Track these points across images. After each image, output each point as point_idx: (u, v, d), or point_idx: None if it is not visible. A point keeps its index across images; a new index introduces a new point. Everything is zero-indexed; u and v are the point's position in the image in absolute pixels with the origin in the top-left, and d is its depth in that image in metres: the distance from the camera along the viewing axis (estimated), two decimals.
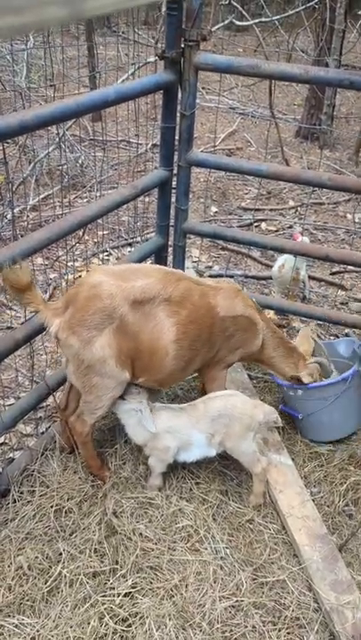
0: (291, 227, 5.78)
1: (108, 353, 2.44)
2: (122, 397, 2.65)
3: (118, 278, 2.47)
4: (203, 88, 9.69)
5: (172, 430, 2.67)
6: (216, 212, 6.01)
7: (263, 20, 7.12)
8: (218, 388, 2.89)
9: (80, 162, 6.13)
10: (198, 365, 2.80)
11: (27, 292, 2.39)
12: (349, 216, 6.09)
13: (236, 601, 2.32)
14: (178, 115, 3.22)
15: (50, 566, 2.37)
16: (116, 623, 2.19)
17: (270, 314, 4.15)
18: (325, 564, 2.46)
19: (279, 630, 2.25)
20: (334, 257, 3.25)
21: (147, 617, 2.21)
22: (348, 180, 3.13)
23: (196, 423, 2.68)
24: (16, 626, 2.17)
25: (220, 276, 4.73)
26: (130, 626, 2.19)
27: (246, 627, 2.24)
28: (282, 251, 3.40)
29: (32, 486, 2.69)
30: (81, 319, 2.40)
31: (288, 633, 2.25)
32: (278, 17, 7.47)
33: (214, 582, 2.37)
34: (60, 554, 2.41)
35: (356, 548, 2.60)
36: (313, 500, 2.76)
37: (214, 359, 2.85)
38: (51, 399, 3.22)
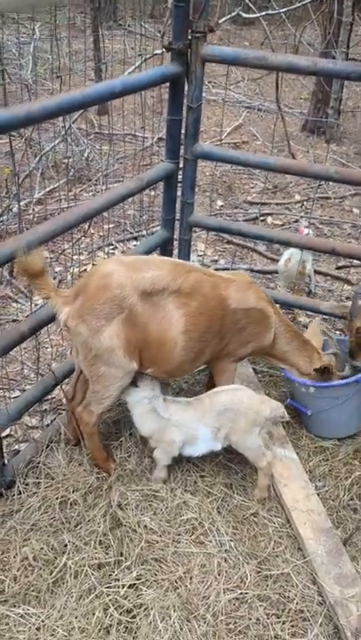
0: (297, 221, 5.76)
1: (117, 343, 2.46)
2: (135, 385, 2.67)
3: (129, 269, 2.49)
4: (209, 82, 9.64)
5: (179, 424, 2.67)
6: (222, 205, 5.99)
7: (270, 12, 7.06)
8: (226, 381, 2.89)
9: (86, 155, 6.12)
10: (208, 357, 2.80)
11: (39, 279, 2.41)
12: (356, 210, 6.06)
13: (241, 593, 2.33)
14: (184, 108, 3.20)
15: (55, 557, 2.38)
16: (120, 614, 2.20)
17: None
18: (330, 557, 2.46)
19: (283, 623, 2.25)
20: (341, 251, 3.24)
21: (151, 608, 2.22)
22: (356, 173, 3.12)
23: (202, 417, 2.68)
24: (21, 616, 2.19)
25: (226, 269, 4.71)
26: (134, 617, 2.20)
27: (250, 619, 2.25)
28: (288, 244, 3.39)
29: (37, 478, 2.70)
30: (90, 308, 2.42)
31: (292, 626, 2.26)
32: (285, 9, 7.40)
33: (219, 575, 2.38)
34: (66, 545, 2.43)
35: None
36: (318, 494, 2.76)
37: (224, 352, 2.83)
38: (56, 392, 3.23)
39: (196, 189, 6.16)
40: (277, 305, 4.06)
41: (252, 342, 2.88)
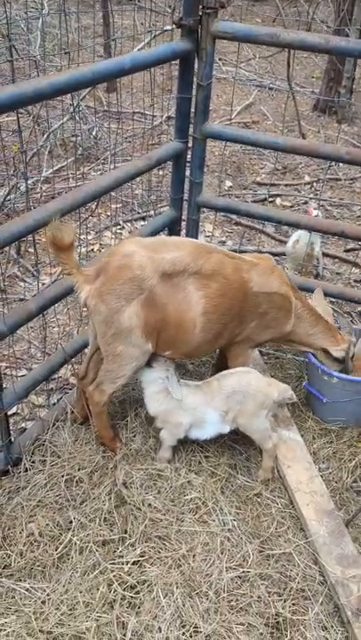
0: (306, 202, 5.70)
1: (136, 323, 2.47)
2: (149, 365, 2.68)
3: (150, 250, 2.49)
4: (219, 59, 9.47)
5: (187, 407, 2.68)
6: (231, 186, 5.93)
7: None
8: (241, 366, 2.88)
9: (94, 133, 6.06)
10: (226, 340, 2.79)
11: (65, 253, 2.40)
12: None
13: (243, 572, 2.36)
14: (194, 86, 3.15)
15: (60, 534, 2.42)
16: (124, 590, 2.23)
17: None
18: (332, 538, 2.48)
19: (284, 601, 2.29)
20: (350, 233, 3.20)
21: (154, 585, 2.25)
22: None
23: (210, 400, 2.69)
24: (27, 590, 2.23)
25: (234, 251, 4.68)
26: (138, 593, 2.24)
27: (252, 597, 2.28)
28: (297, 226, 3.36)
29: (43, 456, 2.73)
30: (111, 288, 2.43)
31: (293, 604, 2.29)
32: None
33: (221, 553, 2.41)
34: (71, 522, 2.46)
35: None
36: (321, 476, 2.77)
37: (242, 336, 2.82)
38: (63, 371, 3.25)
39: (205, 169, 6.11)
40: None
41: (272, 328, 2.86)
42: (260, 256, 2.90)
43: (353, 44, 2.72)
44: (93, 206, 4.88)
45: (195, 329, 2.58)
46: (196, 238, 3.65)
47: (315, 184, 6.09)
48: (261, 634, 2.16)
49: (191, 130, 3.30)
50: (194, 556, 2.39)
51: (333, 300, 4.10)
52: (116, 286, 2.43)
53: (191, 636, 2.12)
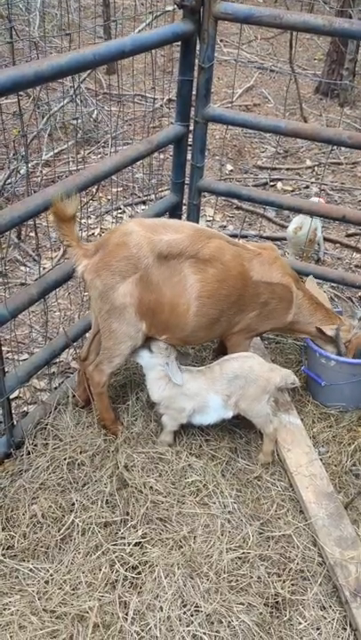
0: (307, 187, 5.67)
1: (129, 301, 2.50)
2: (150, 351, 2.70)
3: (149, 230, 2.51)
4: (220, 41, 9.35)
5: (190, 392, 2.70)
6: (231, 170, 5.90)
7: None
8: None
9: (94, 116, 6.01)
10: (225, 327, 2.80)
11: (67, 225, 2.45)
12: None
13: (243, 553, 2.39)
14: (195, 68, 3.12)
15: (63, 515, 2.45)
16: (126, 570, 2.27)
17: None
18: (331, 520, 2.52)
19: (284, 582, 2.32)
20: (352, 218, 3.19)
21: (156, 565, 2.29)
22: None
23: (212, 385, 2.71)
24: (30, 570, 2.27)
25: (235, 235, 4.68)
26: (140, 573, 2.27)
27: (252, 577, 2.32)
28: (299, 211, 3.35)
29: (45, 439, 2.75)
30: (108, 264, 2.47)
31: (292, 584, 2.33)
32: None
33: (222, 535, 2.44)
34: (73, 504, 2.49)
35: None
36: (321, 460, 2.80)
37: (242, 325, 2.83)
38: (64, 355, 3.26)
39: (206, 153, 6.07)
40: None
41: (273, 319, 2.87)
42: (263, 245, 2.89)
43: (357, 25, 2.68)
44: (94, 190, 4.85)
45: (188, 312, 2.59)
46: (197, 223, 3.65)
47: (316, 168, 6.05)
48: (261, 613, 2.20)
49: (192, 113, 3.28)
50: (195, 537, 2.43)
51: (334, 285, 4.11)
52: (113, 262, 2.46)
53: (192, 615, 2.16)
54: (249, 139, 6.54)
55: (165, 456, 2.73)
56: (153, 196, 5.09)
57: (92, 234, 4.61)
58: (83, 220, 4.56)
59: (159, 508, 2.51)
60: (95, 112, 6.05)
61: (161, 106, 6.45)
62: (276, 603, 2.26)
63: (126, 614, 2.14)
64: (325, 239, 4.79)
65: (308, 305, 2.90)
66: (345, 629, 2.20)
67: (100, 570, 2.26)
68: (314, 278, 3.21)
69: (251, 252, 2.71)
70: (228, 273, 2.61)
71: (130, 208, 5.01)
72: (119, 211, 4.96)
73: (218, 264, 2.58)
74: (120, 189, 5.27)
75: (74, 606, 2.14)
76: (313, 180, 5.83)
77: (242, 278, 2.66)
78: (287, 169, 6.01)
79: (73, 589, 2.21)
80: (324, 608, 2.27)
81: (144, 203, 5.10)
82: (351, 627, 2.20)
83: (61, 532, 2.39)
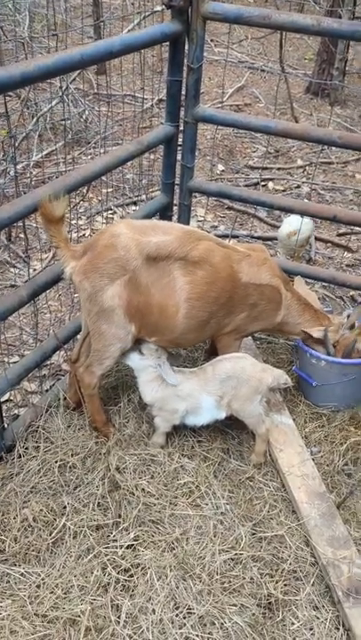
0: (298, 186, 5.68)
1: (118, 303, 2.49)
2: (141, 353, 2.69)
3: (138, 232, 2.50)
4: (211, 40, 9.35)
5: (183, 394, 2.70)
6: (223, 170, 5.89)
7: None
8: None
9: (84, 117, 5.99)
10: (215, 328, 2.79)
11: (55, 226, 2.45)
12: (358, 176, 5.97)
13: (236, 554, 2.39)
14: (185, 68, 3.11)
15: (54, 519, 2.44)
16: (118, 573, 2.26)
17: None
18: (323, 520, 2.52)
19: (276, 582, 2.32)
20: (342, 218, 3.20)
21: (148, 568, 2.28)
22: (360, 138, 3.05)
23: (205, 386, 2.70)
24: (22, 574, 2.25)
25: (226, 236, 4.68)
26: (132, 576, 2.26)
27: (245, 578, 2.31)
28: (290, 211, 3.34)
29: (37, 442, 2.73)
30: (96, 265, 2.46)
31: (285, 584, 2.33)
32: None
33: (214, 536, 2.44)
34: (65, 507, 2.48)
35: (354, 506, 2.65)
36: (313, 460, 2.80)
37: (232, 326, 2.83)
38: (55, 357, 3.25)
39: (197, 153, 6.06)
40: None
41: (262, 320, 2.88)
42: (253, 246, 2.89)
43: (345, 25, 2.69)
44: (85, 191, 4.84)
45: (178, 314, 2.59)
46: (188, 223, 3.64)
47: (307, 168, 6.06)
48: (254, 614, 2.19)
49: (183, 113, 3.27)
50: (187, 539, 2.42)
51: (326, 284, 4.12)
52: (101, 265, 2.45)
53: (185, 618, 2.15)
54: (240, 138, 6.55)
55: (157, 458, 2.72)
56: (144, 197, 5.08)
57: (83, 235, 4.59)
58: (73, 221, 4.54)
59: (151, 511, 2.50)
60: (85, 112, 6.03)
61: (152, 106, 6.44)
62: (269, 603, 2.26)
63: (118, 617, 2.13)
64: (317, 239, 4.80)
65: (296, 306, 2.91)
66: (338, 629, 2.20)
67: (92, 573, 2.25)
68: (302, 279, 3.21)
69: (240, 254, 2.71)
70: (218, 275, 2.61)
71: (121, 209, 5.00)
72: (110, 211, 4.94)
73: (207, 266, 2.58)
74: (111, 190, 5.25)
75: (66, 610, 2.13)
76: (304, 179, 5.84)
77: (231, 280, 2.66)
78: (278, 169, 6.02)
79: (65, 593, 2.19)
80: (317, 608, 2.27)
81: (135, 203, 5.09)
82: (344, 627, 2.20)
83: (53, 535, 2.38)
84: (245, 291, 2.72)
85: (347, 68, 7.86)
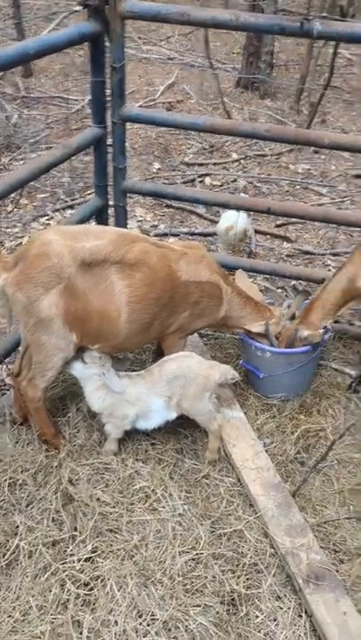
0: (235, 180, 5.72)
1: (55, 312, 2.43)
2: (84, 362, 2.63)
3: (69, 238, 2.44)
4: (139, 38, 9.31)
5: (132, 398, 2.66)
6: (159, 168, 5.87)
7: None
8: None
9: (13, 121, 5.84)
10: (158, 330, 2.77)
11: None
12: (293, 167, 6.07)
13: (196, 554, 2.38)
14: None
15: (7, 540, 2.36)
16: (77, 588, 2.21)
17: None
18: (280, 510, 2.54)
19: (238, 577, 2.33)
20: (277, 210, 3.24)
21: (108, 579, 2.24)
22: (287, 130, 3.11)
23: (153, 388, 2.68)
24: None
25: (166, 234, 4.66)
26: (92, 589, 2.22)
27: (206, 577, 2.31)
28: (226, 206, 3.37)
29: None
30: (29, 276, 2.39)
31: (247, 579, 2.33)
32: None
33: (173, 538, 2.42)
34: (17, 527, 2.40)
35: (309, 493, 2.69)
36: (266, 451, 2.82)
37: (176, 325, 2.81)
38: None
39: (132, 152, 6.02)
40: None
41: (205, 316, 2.88)
42: (189, 244, 2.89)
43: (262, 19, 2.71)
44: (17, 198, 4.71)
45: (120, 319, 2.55)
46: (125, 225, 3.60)
47: (242, 161, 6.12)
48: (218, 612, 2.19)
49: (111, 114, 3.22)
50: (146, 544, 2.39)
51: (267, 276, 4.16)
52: (34, 274, 2.39)
53: (148, 625, 2.12)
54: (174, 136, 6.54)
55: (111, 465, 2.68)
56: (80, 200, 5.00)
57: (20, 243, 4.47)
58: (8, 229, 4.42)
59: (108, 520, 2.46)
60: (14, 117, 5.88)
61: (83, 107, 6.36)
62: (232, 600, 2.26)
63: (80, 633, 2.08)
64: (256, 231, 4.84)
65: (238, 300, 2.93)
66: (301, 617, 2.22)
67: (51, 591, 2.19)
68: (244, 272, 3.23)
69: (177, 253, 2.70)
70: (156, 275, 2.59)
71: (58, 213, 4.90)
72: (46, 217, 4.84)
73: (144, 268, 2.55)
74: (46, 195, 5.14)
75: (25, 633, 2.06)
76: (240, 173, 5.89)
77: (170, 280, 2.64)
78: (214, 164, 6.05)
79: (23, 615, 2.13)
80: (280, 598, 2.29)
81: (72, 207, 5.00)
82: (307, 613, 2.23)
83: (6, 557, 2.30)
84: (186, 289, 2.71)
85: (274, 61, 7.98)
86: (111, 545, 2.38)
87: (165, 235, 4.64)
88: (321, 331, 2.96)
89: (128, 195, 3.52)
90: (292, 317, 3.10)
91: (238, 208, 3.45)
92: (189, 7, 2.77)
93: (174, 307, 2.72)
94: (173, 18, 2.74)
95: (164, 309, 2.67)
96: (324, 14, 6.85)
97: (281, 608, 2.26)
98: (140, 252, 2.55)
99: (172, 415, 2.74)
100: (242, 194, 4.61)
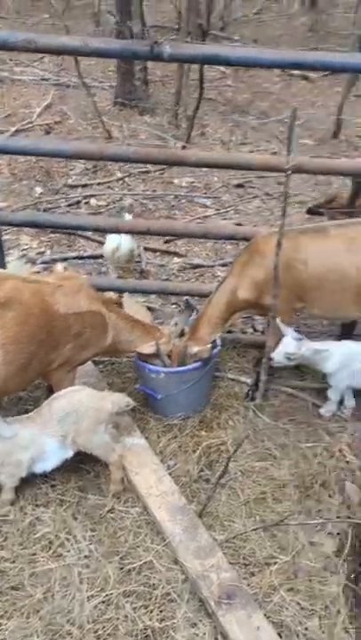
0: (121, 199, 5.71)
1: None
2: None
3: None
4: (10, 60, 9.10)
5: (24, 442, 2.54)
6: (41, 192, 5.73)
7: None
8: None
9: None
10: (40, 368, 2.67)
11: None
12: (177, 181, 6.15)
13: (105, 595, 2.29)
14: None
15: None
16: None
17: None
18: (187, 534, 2.51)
19: (151, 612, 2.27)
20: (157, 230, 3.25)
21: None
22: (153, 151, 3.13)
23: (44, 429, 2.57)
24: None
25: (54, 260, 4.54)
26: None
27: (118, 618, 2.23)
28: (103, 231, 3.32)
29: None
30: None
31: (160, 611, 2.28)
32: None
33: (80, 583, 2.32)
34: None
35: (216, 509, 2.68)
36: (170, 474, 2.79)
37: (60, 360, 2.72)
38: None
39: (12, 179, 5.85)
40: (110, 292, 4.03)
41: (91, 346, 2.81)
42: (65, 275, 2.82)
43: (114, 44, 2.71)
44: None
45: None
46: (3, 257, 3.46)
47: (126, 179, 6.12)
48: None
49: None
50: (52, 595, 2.28)
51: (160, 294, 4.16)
52: None
53: None
54: (55, 158, 6.42)
55: (9, 517, 2.54)
56: None
57: None
58: None
59: (9, 576, 2.32)
60: None
61: None
62: (146, 637, 2.20)
63: None
64: (145, 249, 4.85)
65: (124, 324, 2.90)
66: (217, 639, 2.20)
67: None
68: (130, 296, 3.21)
69: (51, 286, 2.62)
70: (30, 312, 2.49)
71: None
72: None
73: (16, 305, 2.45)
74: None
75: None
76: (125, 191, 5.88)
77: (46, 314, 2.55)
78: (98, 184, 6.01)
79: None
80: (195, 624, 2.25)
81: None
82: (222, 634, 2.21)
83: None
84: (66, 322, 2.63)
85: (149, 77, 8.08)
86: (14, 603, 2.24)
87: (54, 261, 4.52)
88: (209, 345, 2.99)
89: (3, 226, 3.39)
90: (182, 334, 3.11)
91: (118, 231, 3.42)
92: (35, 35, 2.70)
93: (54, 342, 2.63)
94: (21, 45, 2.66)
95: (42, 346, 2.58)
96: (189, 30, 7.02)
97: (197, 635, 2.22)
98: (11, 290, 2.45)
99: (69, 453, 2.65)
100: (126, 213, 4.58)
